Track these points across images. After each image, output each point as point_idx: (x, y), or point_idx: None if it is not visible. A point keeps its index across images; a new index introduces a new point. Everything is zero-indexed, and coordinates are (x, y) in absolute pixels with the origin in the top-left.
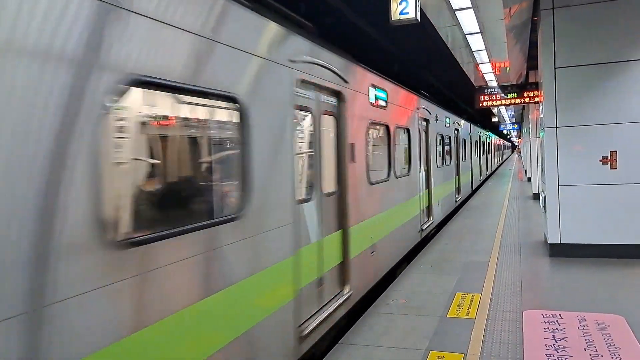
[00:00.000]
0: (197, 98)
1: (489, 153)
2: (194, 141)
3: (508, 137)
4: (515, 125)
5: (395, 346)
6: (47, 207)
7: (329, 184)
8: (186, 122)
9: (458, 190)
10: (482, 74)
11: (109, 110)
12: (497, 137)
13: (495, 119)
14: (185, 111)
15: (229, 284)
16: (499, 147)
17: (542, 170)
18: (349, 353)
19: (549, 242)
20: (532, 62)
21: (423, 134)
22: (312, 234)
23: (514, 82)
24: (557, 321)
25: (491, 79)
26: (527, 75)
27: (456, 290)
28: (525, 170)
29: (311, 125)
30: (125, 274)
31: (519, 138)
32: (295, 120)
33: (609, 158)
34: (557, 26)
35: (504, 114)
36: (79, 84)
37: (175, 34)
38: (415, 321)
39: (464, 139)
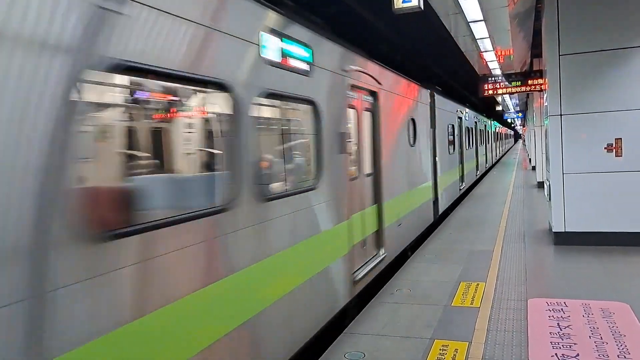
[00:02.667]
0: (292, 102)
1: (493, 142)
2: (300, 135)
3: (512, 125)
4: (520, 114)
5: (400, 335)
6: None
7: (368, 167)
8: (288, 122)
9: (462, 178)
10: (486, 62)
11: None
12: (501, 126)
13: (499, 108)
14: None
15: (315, 234)
16: (503, 136)
17: (547, 158)
18: (354, 342)
19: (553, 231)
20: (536, 49)
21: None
22: (358, 205)
23: (518, 70)
24: (561, 309)
25: (495, 67)
26: (531, 63)
27: (461, 279)
28: (530, 159)
29: (356, 119)
30: (268, 217)
31: (523, 126)
32: (347, 116)
33: (613, 146)
34: (561, 13)
35: (508, 102)
36: None
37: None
38: (420, 310)
39: (470, 128)
